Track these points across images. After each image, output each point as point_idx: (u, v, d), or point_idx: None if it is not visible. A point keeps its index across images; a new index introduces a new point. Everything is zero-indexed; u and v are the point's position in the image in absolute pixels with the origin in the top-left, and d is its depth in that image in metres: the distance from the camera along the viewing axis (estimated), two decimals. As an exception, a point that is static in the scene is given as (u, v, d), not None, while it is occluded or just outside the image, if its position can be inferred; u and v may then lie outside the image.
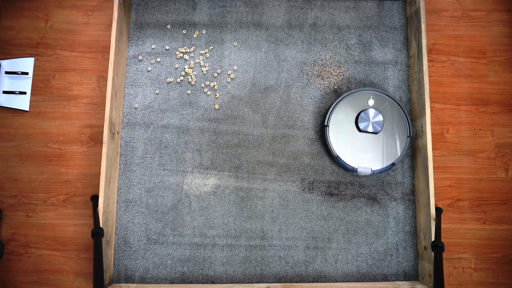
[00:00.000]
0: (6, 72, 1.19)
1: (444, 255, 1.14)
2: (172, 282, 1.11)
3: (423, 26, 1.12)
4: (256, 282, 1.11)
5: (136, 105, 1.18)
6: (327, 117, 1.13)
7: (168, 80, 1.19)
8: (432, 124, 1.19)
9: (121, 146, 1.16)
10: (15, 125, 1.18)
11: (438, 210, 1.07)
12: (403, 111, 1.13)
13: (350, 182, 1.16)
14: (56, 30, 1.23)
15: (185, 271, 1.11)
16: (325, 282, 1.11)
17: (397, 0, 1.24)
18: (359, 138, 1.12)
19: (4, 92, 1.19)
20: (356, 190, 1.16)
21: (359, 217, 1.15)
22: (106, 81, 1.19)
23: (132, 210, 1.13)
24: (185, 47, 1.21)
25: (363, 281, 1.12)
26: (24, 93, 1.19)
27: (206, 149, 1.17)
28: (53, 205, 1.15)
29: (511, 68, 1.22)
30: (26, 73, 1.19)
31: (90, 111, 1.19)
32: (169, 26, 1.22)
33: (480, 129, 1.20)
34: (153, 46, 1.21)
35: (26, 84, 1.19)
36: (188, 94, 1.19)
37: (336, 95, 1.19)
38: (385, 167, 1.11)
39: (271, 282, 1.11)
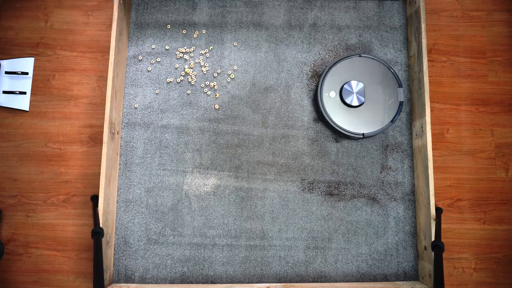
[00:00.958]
0: (6, 72, 1.19)
1: (444, 255, 1.14)
2: (172, 282, 1.11)
3: (423, 26, 1.12)
4: (256, 282, 1.11)
5: (136, 105, 1.18)
6: (319, 85, 1.14)
7: (168, 80, 1.19)
8: (432, 124, 1.19)
9: (121, 146, 1.16)
10: (15, 125, 1.18)
11: (438, 210, 1.07)
12: (394, 74, 1.14)
13: (350, 182, 1.16)
14: (56, 30, 1.23)
15: (185, 271, 1.11)
16: (325, 282, 1.11)
17: (397, 0, 1.24)
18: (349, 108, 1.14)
19: (4, 92, 1.19)
20: (356, 190, 1.16)
21: (359, 217, 1.15)
22: (106, 81, 1.19)
23: (132, 210, 1.13)
24: (185, 47, 1.21)
25: (363, 281, 1.12)
26: (24, 93, 1.19)
27: (206, 149, 1.17)
28: (53, 205, 1.15)
29: (511, 68, 1.22)
30: (26, 73, 1.19)
31: (90, 111, 1.19)
32: (169, 26, 1.22)
33: (480, 129, 1.20)
34: (153, 46, 1.21)
35: (26, 84, 1.19)
36: (188, 94, 1.19)
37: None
38: (376, 131, 1.12)
39: (271, 282, 1.11)
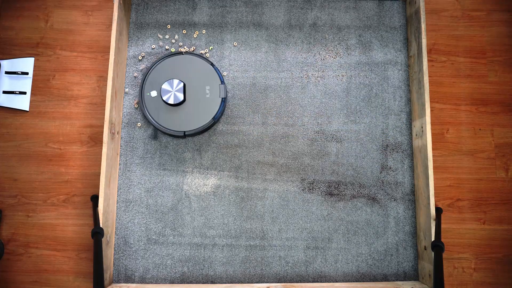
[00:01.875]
0: (6, 72, 1.19)
1: (444, 255, 1.14)
2: (172, 282, 1.11)
3: (423, 26, 1.12)
4: (256, 282, 1.11)
5: (136, 105, 1.18)
6: (142, 84, 1.13)
7: (168, 80, 1.19)
8: (432, 124, 1.19)
9: (121, 146, 1.16)
10: (15, 125, 1.18)
11: (438, 210, 1.07)
12: (217, 71, 1.14)
13: (350, 182, 1.16)
14: (56, 30, 1.23)
15: (185, 271, 1.11)
16: (325, 282, 1.11)
17: (397, 0, 1.24)
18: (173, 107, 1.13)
19: (4, 92, 1.19)
20: (356, 190, 1.16)
21: (359, 217, 1.15)
22: (106, 81, 1.19)
23: (132, 210, 1.13)
24: (185, 47, 1.21)
25: (363, 281, 1.12)
26: (24, 93, 1.19)
27: (206, 149, 1.17)
28: (53, 205, 1.15)
29: (511, 68, 1.22)
30: (26, 73, 1.19)
31: (90, 111, 1.19)
32: (169, 26, 1.22)
33: (480, 129, 1.20)
34: (153, 46, 1.21)
35: (26, 84, 1.19)
36: (188, 94, 1.19)
37: (335, 95, 1.20)
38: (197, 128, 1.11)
39: (271, 282, 1.11)
